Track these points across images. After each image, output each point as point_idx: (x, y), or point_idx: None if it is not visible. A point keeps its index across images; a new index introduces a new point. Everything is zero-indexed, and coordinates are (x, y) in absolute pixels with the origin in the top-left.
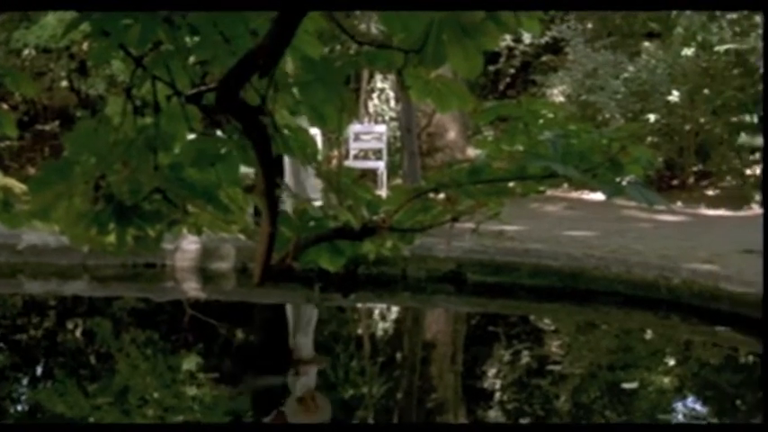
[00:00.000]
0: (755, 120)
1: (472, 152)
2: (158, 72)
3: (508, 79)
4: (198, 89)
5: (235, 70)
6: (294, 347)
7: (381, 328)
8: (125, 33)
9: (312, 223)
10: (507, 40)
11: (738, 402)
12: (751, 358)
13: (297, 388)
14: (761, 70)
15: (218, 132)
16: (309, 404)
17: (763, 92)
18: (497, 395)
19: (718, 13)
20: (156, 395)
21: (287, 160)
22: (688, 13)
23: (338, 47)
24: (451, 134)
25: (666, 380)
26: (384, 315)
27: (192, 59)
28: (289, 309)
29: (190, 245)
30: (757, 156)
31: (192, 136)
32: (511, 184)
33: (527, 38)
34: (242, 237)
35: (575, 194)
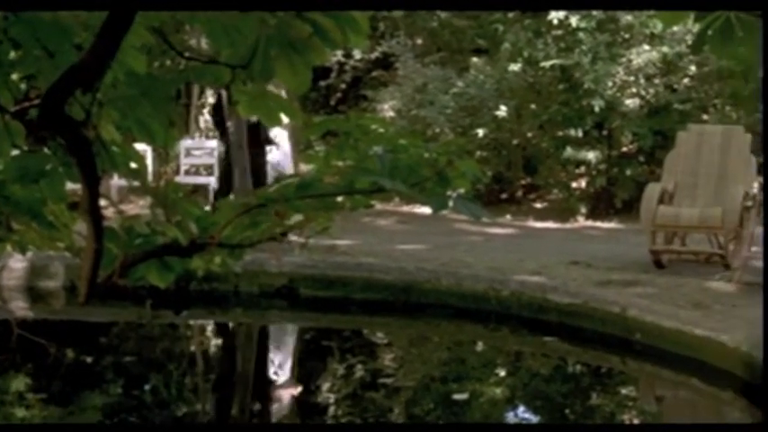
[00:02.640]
0: (580, 134)
1: (304, 167)
2: None
3: (339, 94)
4: (22, 105)
5: (57, 85)
6: (271, 372)
7: (214, 344)
8: None
9: (140, 239)
10: (338, 55)
11: (567, 411)
12: (579, 367)
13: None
14: (760, 70)
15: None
16: None
17: (762, 92)
18: (332, 409)
19: (543, 29)
20: None
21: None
22: (514, 29)
23: (168, 62)
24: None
25: (498, 390)
26: (217, 331)
27: (15, 74)
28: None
29: (17, 263)
30: (582, 169)
31: (15, 152)
32: (339, 199)
33: (357, 53)
34: (69, 254)
35: (406, 208)
